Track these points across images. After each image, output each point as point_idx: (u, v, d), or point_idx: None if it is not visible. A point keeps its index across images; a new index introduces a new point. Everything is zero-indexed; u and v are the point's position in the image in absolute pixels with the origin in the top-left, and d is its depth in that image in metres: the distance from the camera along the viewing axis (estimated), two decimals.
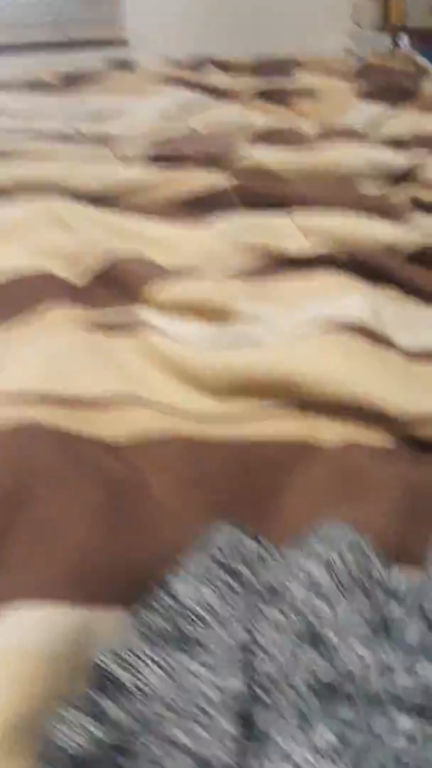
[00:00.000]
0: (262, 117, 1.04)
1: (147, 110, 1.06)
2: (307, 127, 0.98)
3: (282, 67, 1.29)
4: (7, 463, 0.34)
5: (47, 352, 0.43)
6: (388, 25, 2.33)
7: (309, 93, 1.16)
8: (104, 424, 0.39)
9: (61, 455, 0.35)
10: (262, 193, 0.68)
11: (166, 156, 0.79)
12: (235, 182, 0.69)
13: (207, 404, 0.44)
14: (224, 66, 1.32)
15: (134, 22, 1.99)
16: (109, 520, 0.31)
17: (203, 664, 0.21)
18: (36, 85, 1.20)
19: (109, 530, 0.30)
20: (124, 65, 1.28)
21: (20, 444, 0.35)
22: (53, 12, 1.93)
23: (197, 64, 1.30)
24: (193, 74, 1.23)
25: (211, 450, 0.41)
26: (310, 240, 0.62)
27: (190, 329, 0.50)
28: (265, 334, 0.47)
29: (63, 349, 0.43)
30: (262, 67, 1.31)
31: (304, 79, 1.23)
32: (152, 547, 0.30)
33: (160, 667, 0.21)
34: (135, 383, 0.42)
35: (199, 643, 0.22)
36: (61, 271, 0.54)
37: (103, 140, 0.91)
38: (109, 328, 0.46)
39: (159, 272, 0.54)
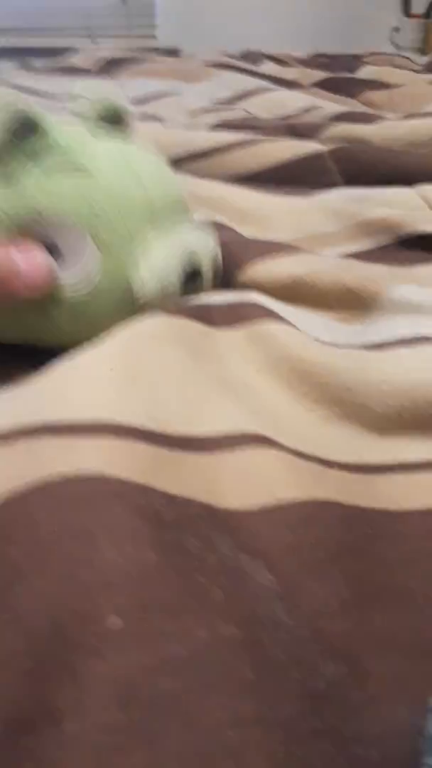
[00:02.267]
0: (330, 104, 0.89)
1: (196, 94, 0.92)
2: (388, 114, 0.83)
3: (343, 60, 1.15)
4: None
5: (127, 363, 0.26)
6: (429, 48, 2.22)
7: (379, 84, 1.01)
8: (219, 478, 0.22)
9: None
10: (371, 161, 0.52)
11: (235, 127, 0.64)
12: (331, 146, 0.53)
13: (367, 445, 0.27)
14: (277, 59, 1.18)
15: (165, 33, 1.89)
16: None
17: None
18: (69, 70, 1.06)
19: None
20: (168, 52, 1.14)
21: (87, 493, 0.19)
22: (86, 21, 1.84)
23: (248, 55, 1.16)
24: (245, 63, 1.08)
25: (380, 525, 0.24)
26: None
27: (320, 323, 0.33)
28: None
29: (148, 358, 0.26)
30: (320, 60, 1.16)
31: (370, 70, 1.08)
32: None
33: None
34: (258, 413, 0.26)
35: None
36: None
37: (149, 121, 0.76)
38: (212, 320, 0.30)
39: (259, 248, 0.38)
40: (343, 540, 0.22)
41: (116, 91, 0.93)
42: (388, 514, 0.24)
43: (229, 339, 0.28)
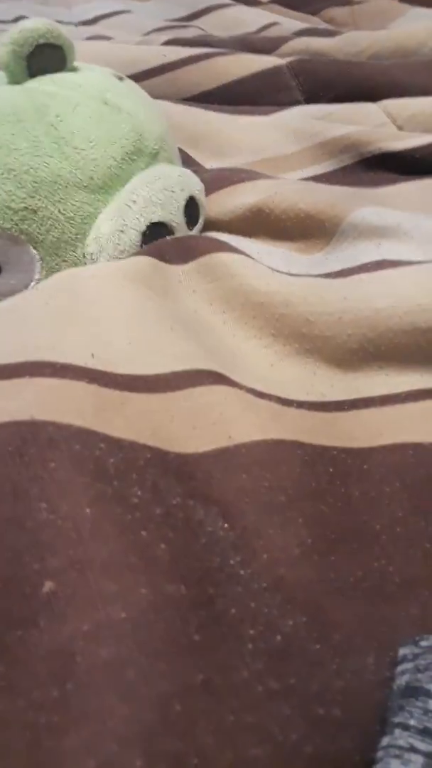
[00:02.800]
0: (290, 20, 0.83)
1: (148, 12, 0.85)
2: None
3: None
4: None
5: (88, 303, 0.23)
6: None
7: (342, 0, 0.95)
8: (169, 420, 0.20)
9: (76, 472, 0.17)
10: (332, 74, 0.48)
11: (189, 44, 0.59)
12: (290, 59, 0.49)
13: (328, 381, 0.25)
14: None
15: None
16: None
17: None
18: None
19: None
20: None
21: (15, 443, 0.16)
22: None
23: None
24: None
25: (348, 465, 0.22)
26: (407, 132, 0.43)
27: (277, 255, 0.31)
28: (409, 250, 0.28)
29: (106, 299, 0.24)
30: None
31: None
32: None
33: None
34: (212, 350, 0.24)
35: None
36: None
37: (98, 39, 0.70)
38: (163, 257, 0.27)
39: (212, 179, 0.35)
40: (303, 481, 0.21)
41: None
42: (352, 452, 0.23)
43: (181, 273, 0.26)
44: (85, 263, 0.28)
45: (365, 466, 0.22)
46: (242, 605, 0.16)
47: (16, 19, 0.84)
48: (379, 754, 0.16)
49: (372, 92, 0.47)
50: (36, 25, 0.28)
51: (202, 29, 0.80)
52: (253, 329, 0.26)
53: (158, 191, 0.28)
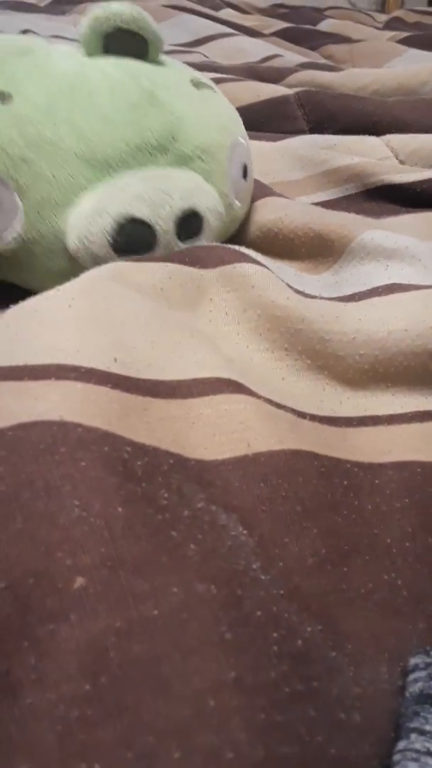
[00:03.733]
0: (291, 54, 0.86)
1: None
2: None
3: (304, 12, 1.12)
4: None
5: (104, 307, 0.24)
6: (387, 9, 2.18)
7: (340, 38, 0.98)
8: (189, 426, 0.21)
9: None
10: (337, 108, 0.50)
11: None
12: (298, 90, 0.51)
13: (338, 398, 0.26)
14: (236, 6, 1.13)
15: None
16: None
17: None
18: (16, 5, 0.99)
19: None
20: None
21: (46, 441, 0.17)
22: None
23: (206, 0, 1.11)
24: (203, 8, 1.03)
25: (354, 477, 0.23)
26: (408, 165, 0.45)
27: (291, 273, 0.32)
28: (417, 273, 0.29)
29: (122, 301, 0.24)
30: (280, 11, 1.13)
31: (331, 23, 1.05)
32: None
33: None
34: (228, 359, 0.24)
35: None
36: None
37: None
38: (185, 261, 0.27)
39: None
40: (320, 493, 0.21)
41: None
42: (363, 466, 0.23)
43: (202, 278, 0.26)
44: (64, 231, 0.28)
45: (376, 481, 0.23)
46: (266, 609, 0.16)
47: (23, 32, 0.85)
48: (396, 757, 0.16)
49: (375, 127, 0.49)
50: (121, 9, 0.28)
51: (206, 56, 0.82)
52: (266, 342, 0.26)
53: (153, 190, 0.27)
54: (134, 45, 0.29)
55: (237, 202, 0.33)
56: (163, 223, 0.28)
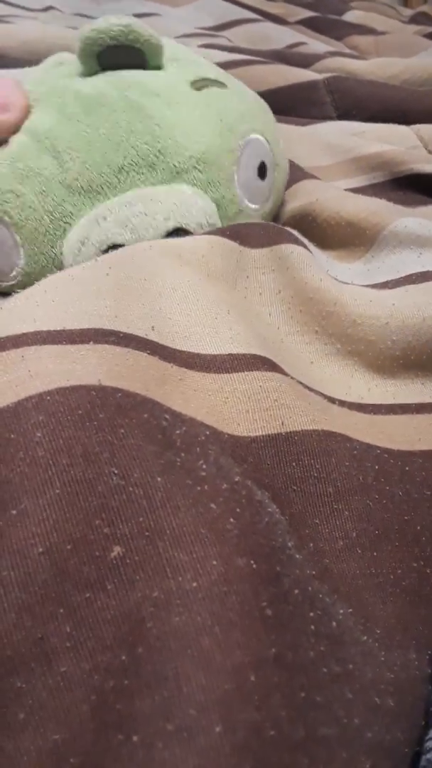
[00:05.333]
0: (316, 42, 0.85)
1: (177, 18, 0.86)
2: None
3: (329, 2, 1.10)
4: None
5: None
6: (410, 4, 2.16)
7: (366, 29, 0.97)
8: (223, 401, 0.20)
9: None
10: (367, 95, 0.49)
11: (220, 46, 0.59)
12: (327, 76, 0.50)
13: (366, 385, 0.26)
14: None
15: None
16: None
17: None
18: None
19: None
20: None
21: (85, 407, 0.16)
22: None
23: None
24: None
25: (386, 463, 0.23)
26: None
27: (324, 258, 0.31)
28: None
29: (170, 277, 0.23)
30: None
31: (357, 14, 1.04)
32: None
33: None
34: (262, 338, 0.24)
35: None
36: None
37: None
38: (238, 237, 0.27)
39: None
40: (351, 475, 0.21)
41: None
42: (393, 453, 0.23)
43: (244, 255, 0.26)
44: (62, 261, 0.28)
45: (407, 468, 0.22)
46: (302, 588, 0.16)
47: (46, 9, 0.85)
48: (428, 744, 0.16)
49: (405, 116, 0.48)
50: (108, 26, 0.27)
51: (230, 40, 0.81)
52: (297, 324, 0.26)
53: (134, 215, 0.27)
54: (132, 54, 0.29)
55: (252, 204, 0.31)
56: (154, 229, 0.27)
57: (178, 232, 0.27)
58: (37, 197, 0.27)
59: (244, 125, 0.31)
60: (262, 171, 0.31)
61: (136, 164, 0.27)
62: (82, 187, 0.27)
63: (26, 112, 0.28)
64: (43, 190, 0.27)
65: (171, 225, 0.27)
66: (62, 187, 0.27)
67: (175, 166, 0.28)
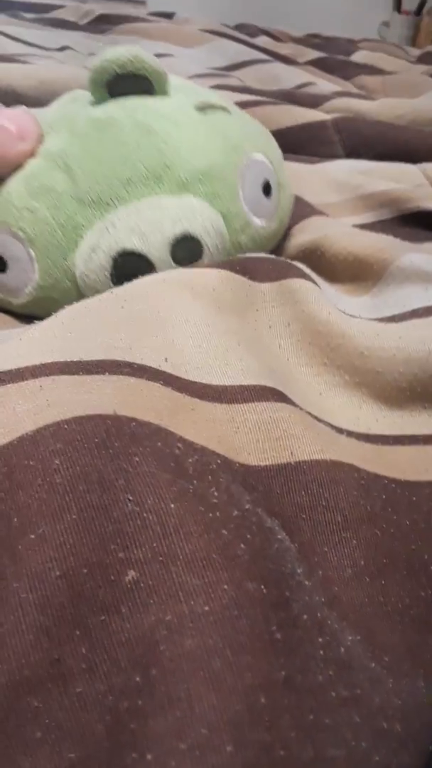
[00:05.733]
0: (325, 83, 0.87)
1: (189, 58, 0.89)
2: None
3: (338, 43, 1.13)
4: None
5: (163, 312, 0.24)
6: (418, 44, 2.21)
7: (374, 69, 1.00)
8: (234, 430, 0.21)
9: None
10: (374, 135, 0.50)
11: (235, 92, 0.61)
12: (335, 116, 0.52)
13: (373, 416, 0.26)
14: (271, 35, 1.15)
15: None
16: None
17: None
18: (58, 23, 1.02)
19: None
20: (162, 15, 1.10)
21: (101, 435, 0.17)
22: None
23: (242, 27, 1.13)
24: (239, 34, 1.06)
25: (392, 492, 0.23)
26: None
27: (333, 292, 0.32)
28: None
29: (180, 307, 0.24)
30: (314, 41, 1.15)
31: (364, 54, 1.07)
32: None
33: None
34: (272, 370, 0.25)
35: None
36: None
37: None
38: (246, 272, 0.28)
39: None
40: (359, 504, 0.21)
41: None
42: (400, 483, 0.23)
43: (253, 290, 0.27)
44: (74, 273, 0.29)
45: (414, 498, 0.23)
46: (311, 613, 0.16)
47: (62, 49, 0.88)
48: None
49: (411, 155, 0.49)
50: (116, 55, 0.29)
51: (241, 80, 0.83)
52: (306, 356, 0.27)
53: (143, 221, 0.28)
54: (139, 84, 0.30)
55: (258, 220, 0.32)
56: (156, 251, 0.27)
57: (185, 239, 0.28)
58: (50, 211, 0.28)
59: (247, 145, 0.32)
60: (266, 189, 0.33)
61: (143, 177, 0.29)
62: (92, 200, 0.28)
63: (41, 141, 0.30)
64: (56, 205, 0.28)
65: (178, 230, 0.28)
66: (74, 201, 0.28)
67: (180, 177, 0.29)
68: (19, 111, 0.30)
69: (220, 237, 0.30)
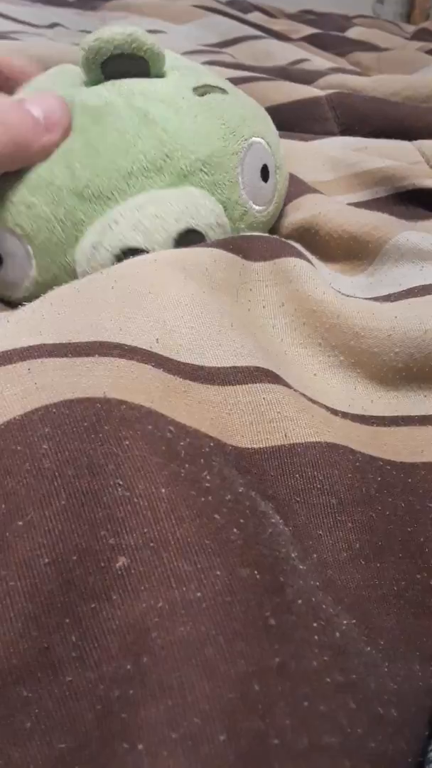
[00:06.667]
0: (319, 59, 0.86)
1: (181, 35, 0.87)
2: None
3: (332, 19, 1.12)
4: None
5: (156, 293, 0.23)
6: (412, 21, 2.18)
7: (368, 45, 0.98)
8: (227, 413, 0.21)
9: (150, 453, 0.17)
10: (369, 111, 0.49)
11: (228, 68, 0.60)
12: (330, 92, 0.51)
13: (368, 397, 0.26)
14: (265, 11, 1.13)
15: None
16: None
17: None
18: (46, 0, 1.00)
19: None
20: None
21: (90, 419, 0.17)
22: None
23: (235, 2, 1.11)
24: (232, 10, 1.04)
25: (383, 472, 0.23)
26: None
27: (327, 272, 0.32)
28: None
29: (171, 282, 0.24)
30: (308, 17, 1.13)
31: (359, 31, 1.05)
32: None
33: None
34: (265, 351, 0.24)
35: None
36: None
37: None
38: (240, 251, 0.27)
39: None
40: (354, 487, 0.21)
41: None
42: (396, 465, 0.23)
43: (247, 269, 0.26)
44: (74, 269, 0.28)
45: (409, 480, 0.23)
46: (306, 598, 0.16)
47: (52, 26, 0.86)
48: (431, 755, 0.16)
49: (407, 132, 0.48)
50: (112, 35, 0.28)
51: (234, 57, 0.82)
52: (300, 336, 0.26)
53: (146, 217, 0.27)
54: (135, 63, 0.29)
55: (256, 206, 0.32)
56: (160, 247, 0.27)
57: (189, 234, 0.28)
58: (49, 207, 0.27)
59: (246, 129, 0.31)
60: (264, 173, 0.32)
61: (144, 169, 0.28)
62: (92, 194, 0.27)
63: (68, 131, 0.28)
64: (55, 200, 0.27)
65: (182, 226, 0.27)
66: (73, 195, 0.27)
67: (182, 168, 0.28)
68: (50, 96, 0.28)
69: (222, 228, 0.29)
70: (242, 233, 0.29)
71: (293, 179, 0.38)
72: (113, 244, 0.27)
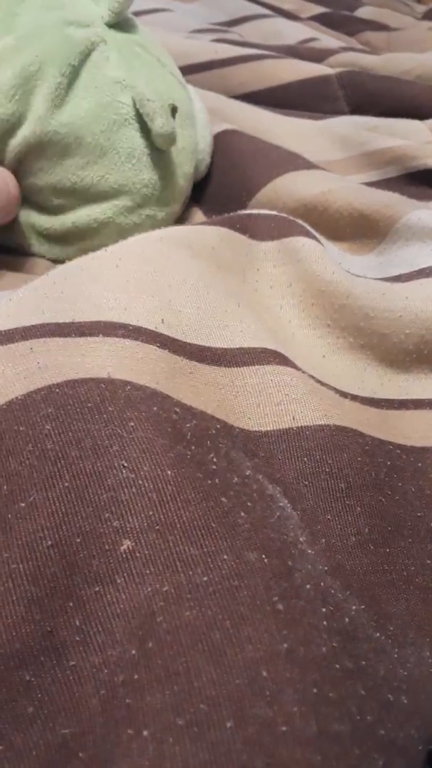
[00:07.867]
0: (328, 38, 0.84)
1: (189, 13, 0.86)
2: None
3: None
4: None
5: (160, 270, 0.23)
6: (423, 0, 2.14)
7: (379, 25, 0.96)
8: (234, 395, 0.20)
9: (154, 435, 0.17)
10: (379, 90, 0.48)
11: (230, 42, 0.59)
12: (339, 70, 0.50)
13: (379, 380, 0.25)
14: None
15: None
16: None
17: None
18: None
19: None
20: None
21: (94, 399, 0.16)
22: None
23: None
24: None
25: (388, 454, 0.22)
26: None
27: (336, 251, 0.31)
28: None
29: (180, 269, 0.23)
30: None
31: (369, 10, 1.03)
32: None
33: None
34: (273, 332, 0.24)
35: None
36: None
37: None
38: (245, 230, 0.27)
39: (275, 161, 0.35)
40: (363, 471, 0.20)
41: None
42: (405, 449, 0.23)
43: (254, 249, 0.25)
44: None
45: (419, 464, 0.22)
46: (314, 583, 0.16)
47: None
48: None
49: (417, 111, 0.47)
50: None
51: (242, 36, 0.80)
52: (309, 318, 0.26)
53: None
54: None
55: None
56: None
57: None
58: None
59: None
60: None
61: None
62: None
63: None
64: None
65: None
66: None
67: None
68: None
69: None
70: (249, 210, 0.28)
71: (290, 154, 0.37)
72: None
